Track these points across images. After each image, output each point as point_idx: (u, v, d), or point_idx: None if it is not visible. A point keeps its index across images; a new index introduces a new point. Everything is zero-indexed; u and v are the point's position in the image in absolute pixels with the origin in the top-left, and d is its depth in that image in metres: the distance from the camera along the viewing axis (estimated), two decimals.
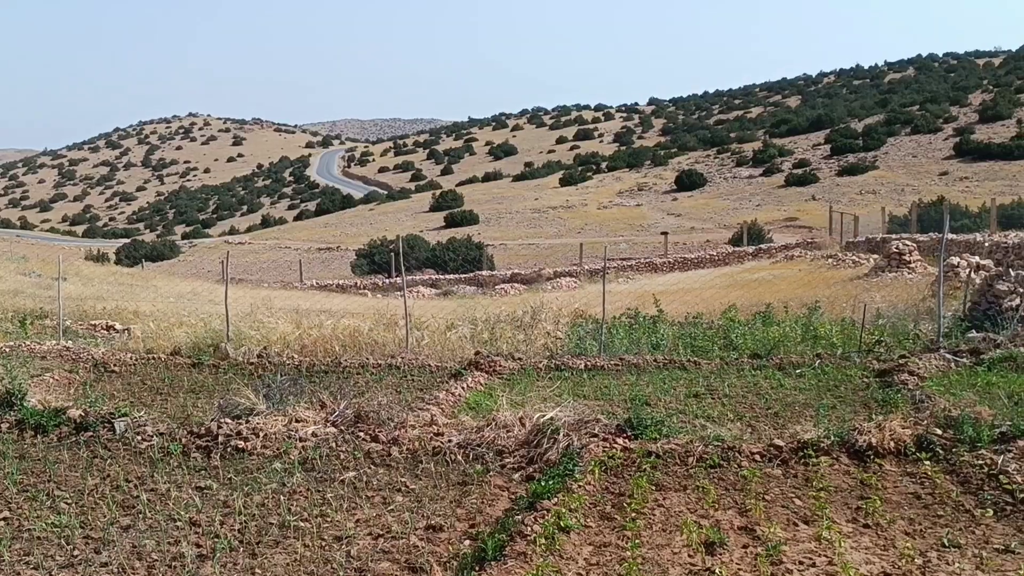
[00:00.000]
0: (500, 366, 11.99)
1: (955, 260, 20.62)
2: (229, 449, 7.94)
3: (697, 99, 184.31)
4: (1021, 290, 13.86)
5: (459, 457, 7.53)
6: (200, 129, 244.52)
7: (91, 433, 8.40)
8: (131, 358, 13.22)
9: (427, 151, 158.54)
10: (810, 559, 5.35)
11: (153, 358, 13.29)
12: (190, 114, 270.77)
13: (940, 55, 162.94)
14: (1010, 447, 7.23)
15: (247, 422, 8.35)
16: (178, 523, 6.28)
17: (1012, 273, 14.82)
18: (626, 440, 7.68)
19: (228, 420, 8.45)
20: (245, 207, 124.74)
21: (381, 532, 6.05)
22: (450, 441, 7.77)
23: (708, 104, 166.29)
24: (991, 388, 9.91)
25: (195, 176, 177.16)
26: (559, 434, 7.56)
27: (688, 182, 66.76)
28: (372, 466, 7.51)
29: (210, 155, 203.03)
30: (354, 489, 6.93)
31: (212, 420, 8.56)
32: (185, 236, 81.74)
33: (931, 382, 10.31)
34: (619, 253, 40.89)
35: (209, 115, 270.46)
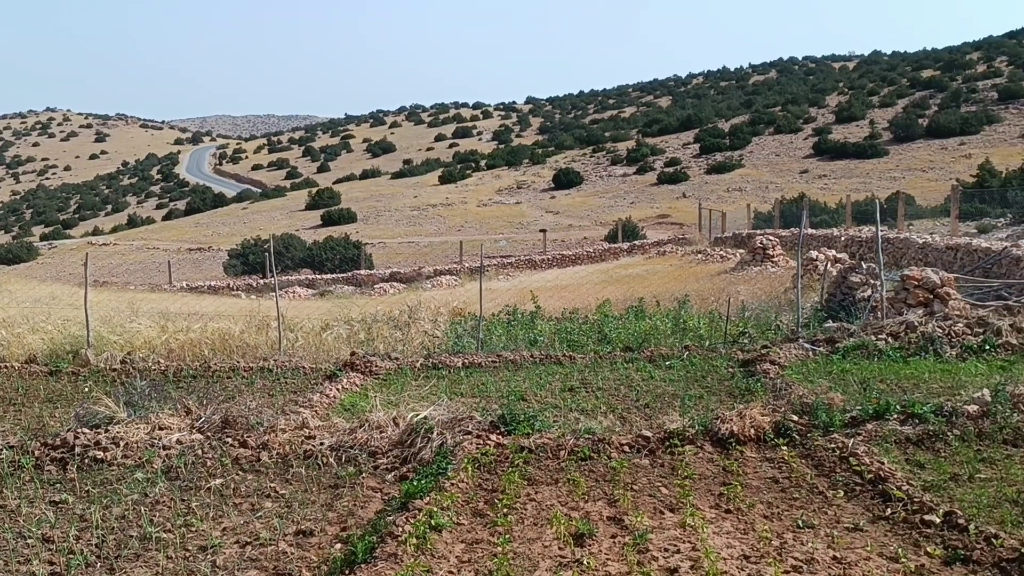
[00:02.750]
0: (376, 366, 11.87)
1: (814, 254, 21.70)
2: (87, 460, 7.55)
3: (573, 98, 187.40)
4: (872, 281, 14.69)
5: (331, 460, 7.41)
6: (59, 125, 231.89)
7: None
8: None
9: (303, 148, 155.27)
10: (675, 545, 5.52)
11: (5, 367, 12.50)
12: (48, 109, 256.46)
13: (800, 58, 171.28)
14: (859, 431, 7.67)
15: (106, 431, 7.96)
16: (29, 540, 5.93)
17: (864, 266, 15.70)
18: (500, 436, 7.74)
19: (86, 430, 8.04)
20: (110, 206, 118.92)
21: (249, 540, 5.88)
22: (322, 444, 7.63)
23: (584, 104, 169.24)
24: (845, 375, 10.46)
25: (54, 174, 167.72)
26: (433, 433, 7.54)
27: (565, 180, 67.87)
28: (240, 472, 7.29)
29: (71, 152, 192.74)
30: (221, 497, 6.71)
31: (68, 430, 8.11)
32: (44, 237, 77.24)
33: (791, 370, 10.80)
34: (499, 251, 41.20)
35: (69, 110, 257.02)
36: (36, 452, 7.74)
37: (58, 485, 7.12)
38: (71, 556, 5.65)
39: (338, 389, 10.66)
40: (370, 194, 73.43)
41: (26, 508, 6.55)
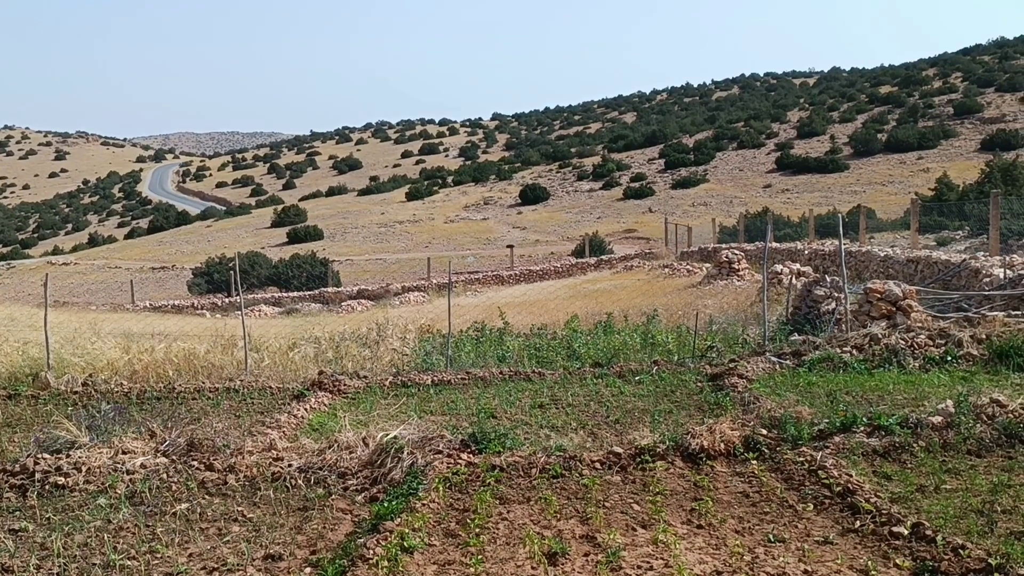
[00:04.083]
0: (345, 385, 11.76)
1: (779, 267, 21.94)
2: (47, 487, 7.38)
3: (539, 115, 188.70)
4: (836, 295, 14.86)
5: (300, 482, 7.30)
6: (17, 143, 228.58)
7: None
8: None
9: (268, 165, 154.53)
10: (648, 563, 5.50)
11: None
12: (5, 127, 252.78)
13: (761, 75, 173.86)
14: (827, 443, 7.73)
15: (68, 456, 7.79)
16: None
17: (828, 279, 15.88)
18: (470, 455, 7.69)
19: (46, 455, 7.86)
20: (70, 225, 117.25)
21: (216, 565, 5.77)
22: (290, 466, 7.52)
23: (549, 120, 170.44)
24: (811, 387, 10.55)
25: (12, 193, 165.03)
26: (403, 452, 7.47)
27: (532, 196, 68.12)
28: (207, 496, 7.16)
29: (29, 170, 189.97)
30: (187, 521, 6.59)
31: (28, 455, 7.93)
32: (2, 257, 75.84)
33: (758, 384, 10.86)
34: (467, 267, 41.17)
35: (28, 128, 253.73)
36: None
37: (17, 513, 6.95)
38: None
39: (306, 409, 10.54)
40: (337, 211, 73.12)
41: None
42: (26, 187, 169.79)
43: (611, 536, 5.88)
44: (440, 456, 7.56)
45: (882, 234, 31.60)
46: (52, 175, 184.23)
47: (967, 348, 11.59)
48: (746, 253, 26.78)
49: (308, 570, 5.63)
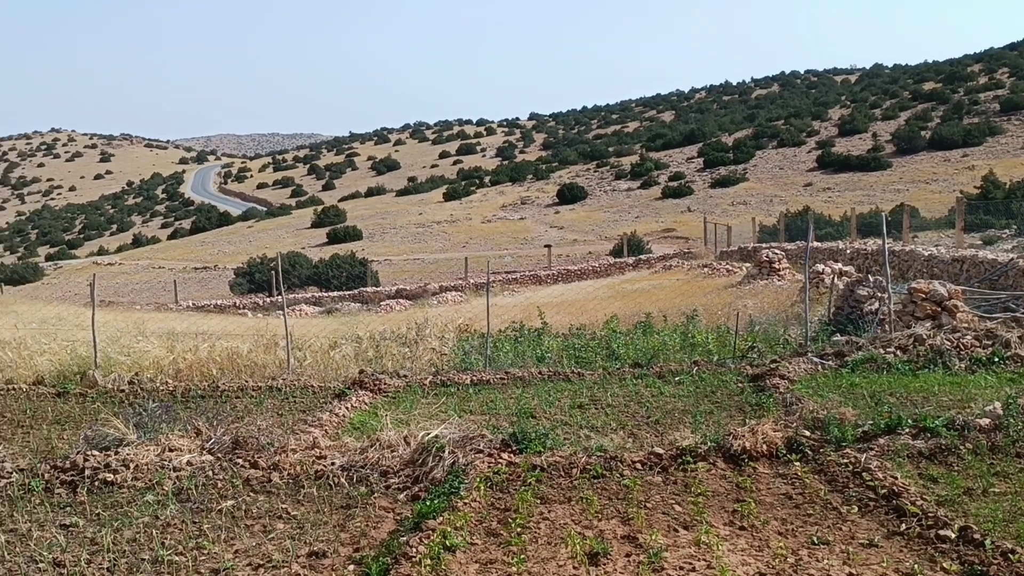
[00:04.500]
0: (385, 384, 11.85)
1: (820, 267, 21.67)
2: (97, 483, 7.54)
3: (576, 114, 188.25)
4: (879, 294, 14.65)
5: (343, 480, 7.39)
6: (64, 145, 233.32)
7: None
8: None
9: (308, 166, 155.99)
10: (690, 564, 5.48)
11: (13, 388, 12.51)
12: (53, 130, 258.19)
13: (802, 72, 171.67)
14: (872, 445, 7.64)
15: (116, 453, 7.96)
16: (40, 564, 5.92)
17: (871, 279, 15.66)
18: (511, 455, 7.71)
19: (95, 452, 8.03)
20: (115, 226, 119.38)
21: (261, 562, 5.86)
22: (333, 464, 7.61)
23: (587, 119, 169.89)
24: (854, 389, 10.43)
25: (59, 194, 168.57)
26: (444, 452, 7.52)
27: (570, 195, 67.96)
28: (252, 493, 7.27)
29: (76, 172, 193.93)
30: (232, 518, 6.70)
31: (78, 452, 8.11)
32: (50, 258, 77.52)
33: (800, 385, 10.77)
34: (504, 266, 41.19)
35: (74, 131, 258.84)
36: (46, 475, 7.73)
37: (68, 508, 7.11)
38: None
39: (347, 408, 10.65)
40: (375, 211, 73.62)
41: (37, 532, 6.54)
42: (72, 189, 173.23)
43: (653, 537, 5.87)
44: (481, 455, 7.59)
45: (926, 233, 31.04)
46: (97, 177, 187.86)
47: (1015, 349, 11.37)
48: (787, 252, 26.48)
49: (352, 567, 5.69)
